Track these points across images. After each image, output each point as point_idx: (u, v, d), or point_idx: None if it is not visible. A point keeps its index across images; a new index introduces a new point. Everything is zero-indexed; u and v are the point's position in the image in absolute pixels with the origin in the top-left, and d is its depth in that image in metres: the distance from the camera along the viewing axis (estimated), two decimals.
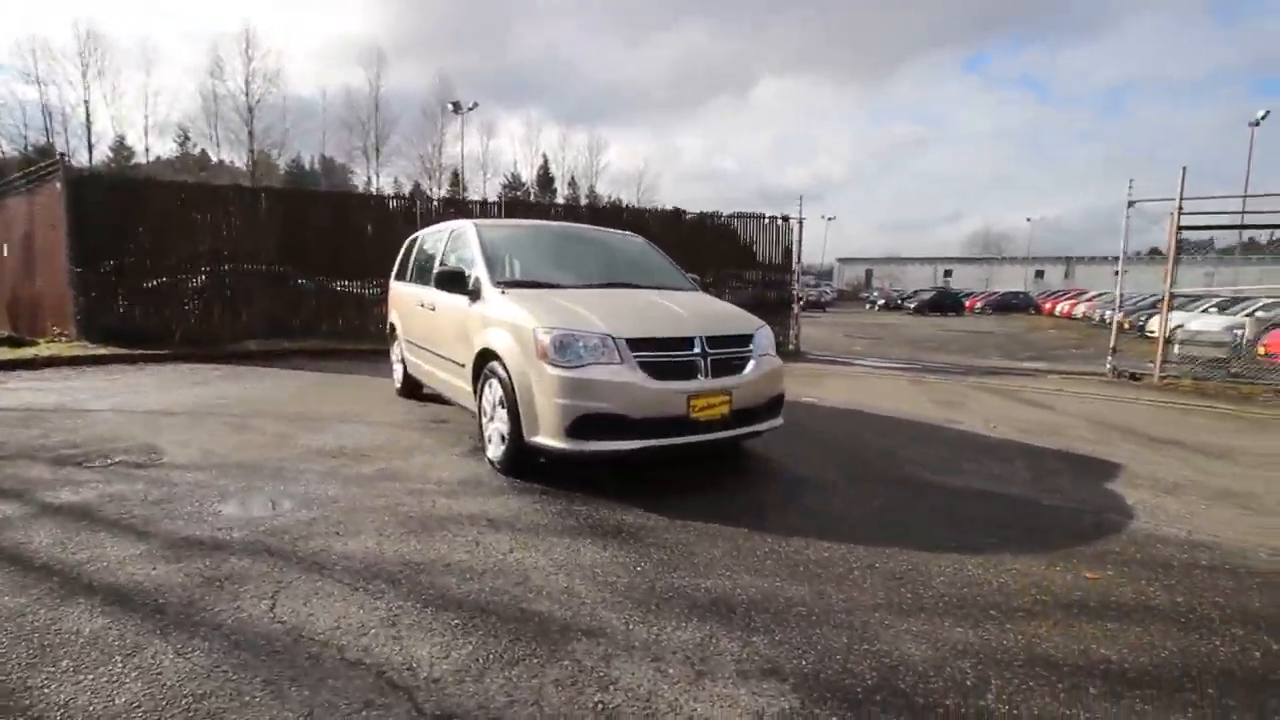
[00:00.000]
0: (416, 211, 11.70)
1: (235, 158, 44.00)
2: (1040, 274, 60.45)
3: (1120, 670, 2.10)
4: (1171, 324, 17.98)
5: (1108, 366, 10.28)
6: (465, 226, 5.01)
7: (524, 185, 60.49)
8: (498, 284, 4.23)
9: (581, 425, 3.45)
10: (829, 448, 4.88)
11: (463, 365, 4.46)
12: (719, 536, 3.05)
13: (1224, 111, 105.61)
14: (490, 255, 4.50)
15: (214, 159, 45.19)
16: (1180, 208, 9.53)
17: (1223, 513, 3.67)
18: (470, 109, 34.63)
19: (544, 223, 5.96)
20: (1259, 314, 11.50)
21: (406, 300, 6.08)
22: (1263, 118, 28.71)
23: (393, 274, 7.00)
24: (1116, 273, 11.16)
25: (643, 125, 77.24)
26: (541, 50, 75.82)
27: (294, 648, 2.07)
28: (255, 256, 10.46)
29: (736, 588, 2.56)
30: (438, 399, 5.97)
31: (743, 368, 3.85)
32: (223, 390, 6.56)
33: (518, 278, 4.52)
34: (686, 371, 3.65)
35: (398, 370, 6.51)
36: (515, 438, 3.70)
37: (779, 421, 4.19)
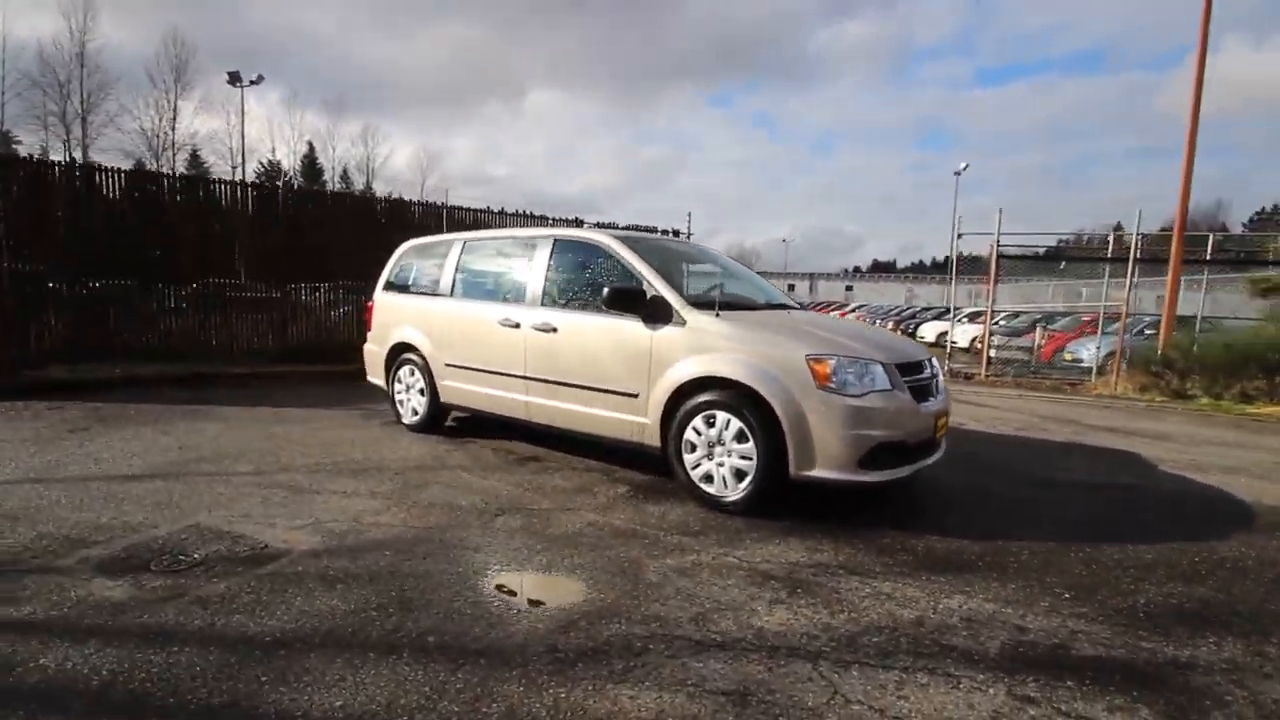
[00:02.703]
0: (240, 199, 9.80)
1: None
2: (792, 287, 70.49)
3: None
4: (936, 332, 22.38)
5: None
6: (601, 239, 4.36)
7: (286, 174, 52.74)
8: (695, 305, 3.83)
9: (873, 455, 3.32)
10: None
11: (633, 396, 3.93)
12: (1023, 551, 3.18)
13: (900, 157, 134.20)
14: (662, 273, 4.02)
15: None
16: (998, 240, 12.08)
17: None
18: (254, 83, 28.91)
19: (643, 234, 5.44)
20: (1043, 326, 14.92)
21: (446, 318, 5.11)
22: (964, 168, 37.19)
23: (383, 287, 5.85)
24: (904, 284, 13.67)
25: (417, 123, 72.48)
26: (298, 27, 66.71)
27: None
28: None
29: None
30: (465, 431, 5.29)
31: (941, 388, 4.03)
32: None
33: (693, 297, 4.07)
34: (926, 393, 3.72)
35: (410, 399, 5.43)
36: (771, 472, 3.41)
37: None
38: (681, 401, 3.74)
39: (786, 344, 3.50)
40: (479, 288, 5.04)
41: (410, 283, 5.65)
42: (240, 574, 2.71)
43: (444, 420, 5.45)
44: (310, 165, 53.26)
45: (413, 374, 5.43)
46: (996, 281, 12.43)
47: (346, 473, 4.24)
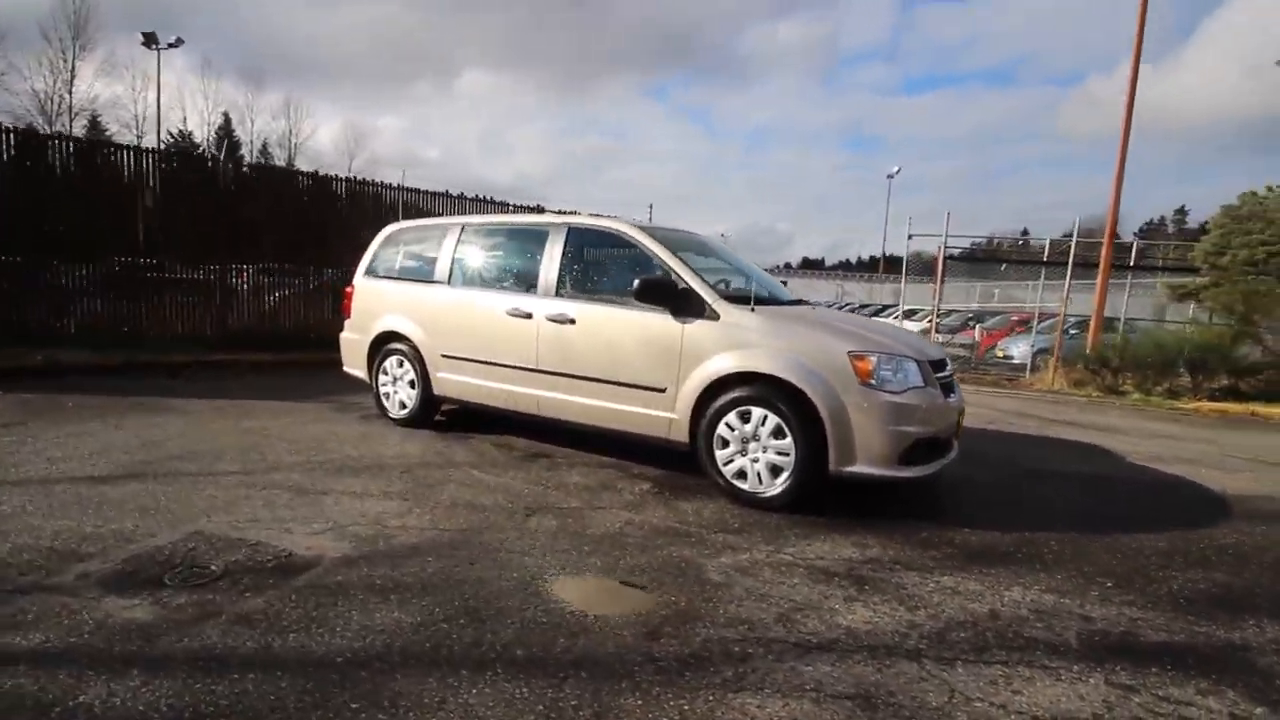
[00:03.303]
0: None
1: None
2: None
3: None
4: None
5: None
6: (623, 228, 4.20)
7: (199, 146, 48.84)
8: (726, 299, 3.76)
9: (913, 450, 3.37)
10: None
11: (659, 391, 3.84)
12: (1050, 541, 3.31)
13: (829, 158, 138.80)
14: (690, 265, 3.93)
15: None
16: (945, 242, 12.68)
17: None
18: (172, 45, 26.26)
19: (656, 224, 5.23)
20: (980, 326, 15.75)
21: (443, 307, 4.84)
22: (896, 172, 38.92)
23: (364, 273, 5.49)
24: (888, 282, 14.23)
25: (341, 98, 68.49)
26: None
27: None
28: None
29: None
30: (456, 425, 5.13)
31: (957, 385, 4.14)
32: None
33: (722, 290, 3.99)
34: (949, 390, 3.80)
35: (397, 391, 5.12)
36: (810, 469, 3.40)
37: None
38: (714, 397, 3.68)
39: (827, 340, 3.51)
40: (481, 276, 4.79)
41: (397, 269, 5.31)
42: (274, 587, 2.45)
43: (434, 414, 5.18)
44: (226, 138, 49.51)
45: (401, 365, 5.12)
46: (943, 280, 13.05)
47: (347, 471, 3.94)
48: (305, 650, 2.05)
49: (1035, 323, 12.70)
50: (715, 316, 3.71)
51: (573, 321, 4.16)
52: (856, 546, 3.12)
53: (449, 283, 4.89)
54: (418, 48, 73.57)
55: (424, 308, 4.95)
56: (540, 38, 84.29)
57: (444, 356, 4.83)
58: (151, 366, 7.40)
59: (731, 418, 3.61)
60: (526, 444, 4.76)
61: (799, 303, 4.50)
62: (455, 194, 11.12)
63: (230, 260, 9.24)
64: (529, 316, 4.34)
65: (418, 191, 11.03)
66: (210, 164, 10.06)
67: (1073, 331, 14.09)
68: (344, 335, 5.65)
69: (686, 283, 3.82)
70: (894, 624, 2.38)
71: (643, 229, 4.18)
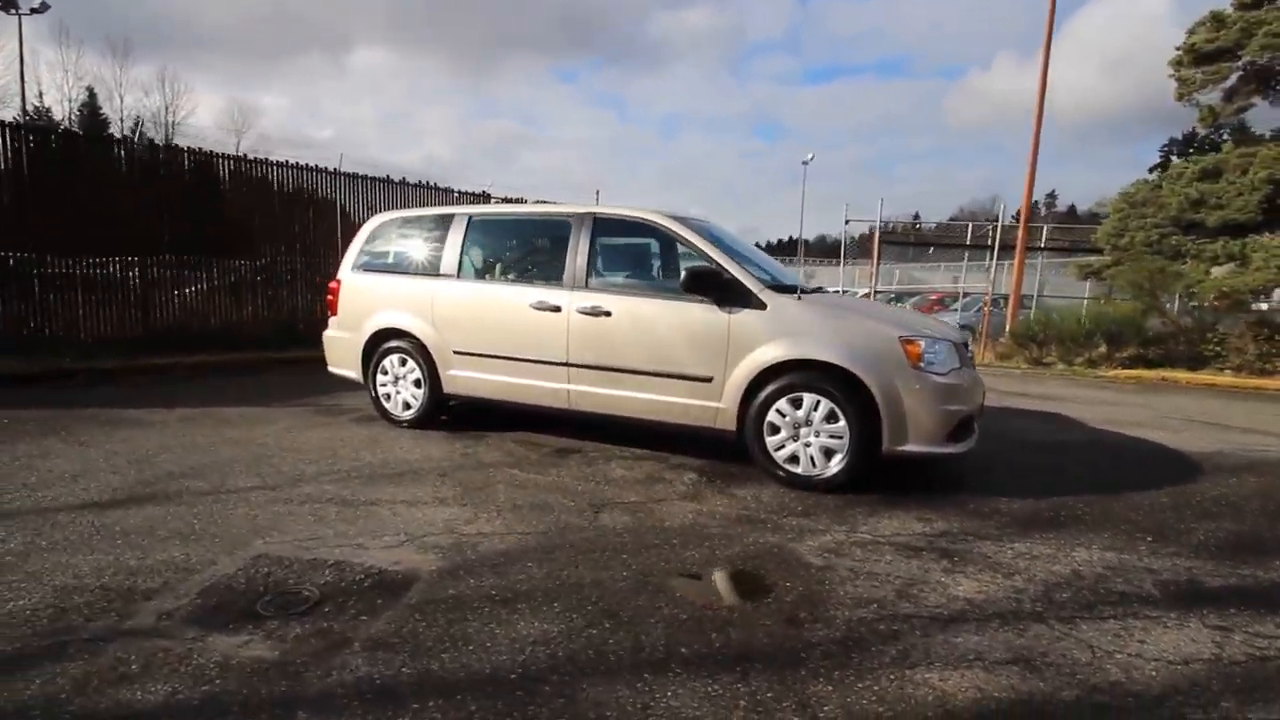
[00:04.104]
0: None
1: None
2: None
3: None
4: None
5: None
6: (655, 219, 4.15)
7: (59, 124, 43.35)
8: (771, 288, 3.81)
9: (958, 428, 3.58)
10: None
11: (706, 380, 3.86)
12: (1078, 505, 3.63)
13: (738, 145, 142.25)
14: (732, 255, 3.94)
15: None
16: (880, 227, 13.40)
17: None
18: (35, 10, 22.60)
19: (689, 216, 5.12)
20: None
21: (454, 301, 4.62)
22: (810, 159, 40.16)
23: (352, 266, 5.16)
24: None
25: (220, 73, 62.47)
26: None
27: None
28: None
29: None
30: (464, 424, 4.95)
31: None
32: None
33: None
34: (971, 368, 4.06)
35: (400, 391, 4.87)
36: (864, 449, 3.54)
37: None
38: (762, 384, 3.75)
39: (877, 326, 3.65)
40: (496, 268, 4.61)
41: (393, 262, 5.01)
42: (387, 608, 2.30)
43: (442, 414, 4.95)
44: (92, 115, 44.27)
45: (404, 363, 4.85)
46: (880, 261, 13.79)
47: (381, 479, 3.72)
48: (471, 669, 1.94)
49: (961, 300, 13.71)
50: (762, 305, 3.76)
51: (608, 314, 4.08)
52: (921, 521, 3.29)
53: (458, 276, 4.66)
54: (303, 19, 68.24)
55: (431, 302, 4.70)
56: (442, 15, 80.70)
57: (457, 353, 4.62)
58: (78, 374, 6.61)
59: (782, 404, 3.70)
60: (550, 440, 4.65)
61: (820, 290, 4.64)
62: (397, 180, 10.52)
63: (146, 253, 8.34)
64: (557, 310, 4.22)
65: (355, 177, 10.34)
66: (115, 146, 8.93)
67: (990, 309, 15.31)
68: (330, 334, 5.27)
69: (731, 273, 3.85)
70: (1002, 591, 2.55)
71: (674, 218, 4.17)
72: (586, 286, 4.20)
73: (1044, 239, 14.21)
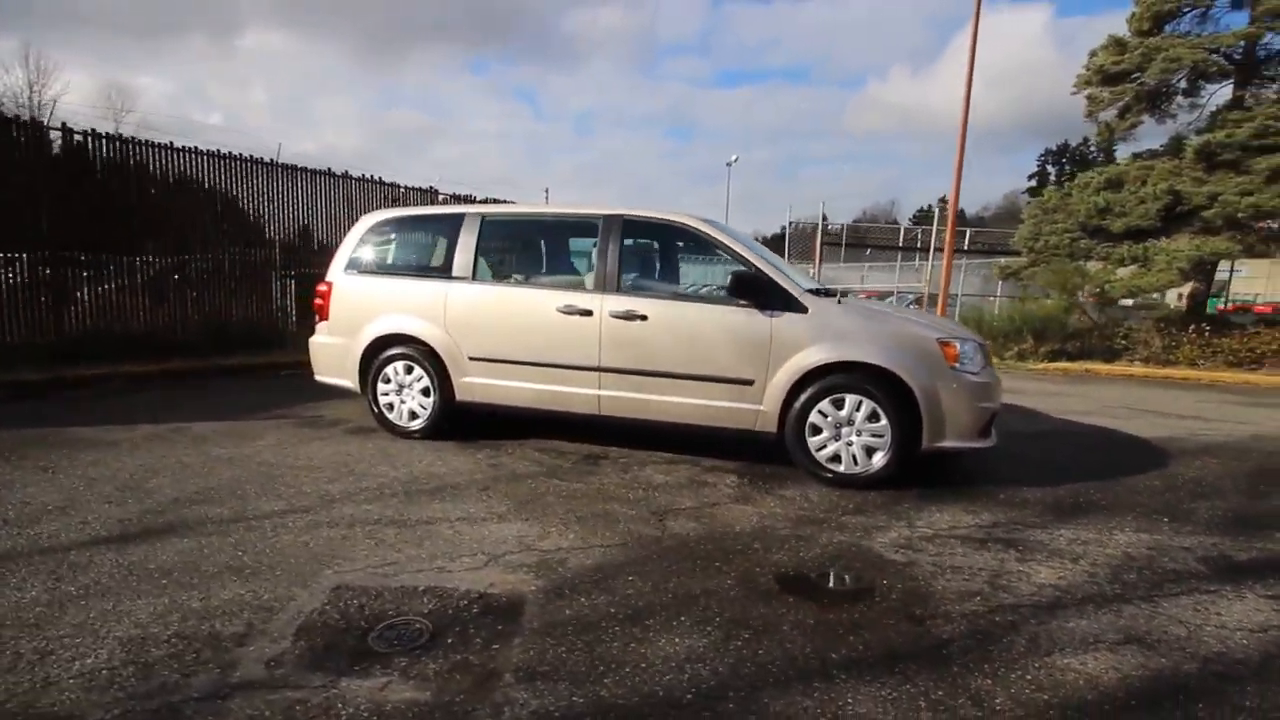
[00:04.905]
0: None
1: None
2: None
3: None
4: None
5: None
6: (687, 221, 4.14)
7: None
8: (809, 291, 3.89)
9: (989, 424, 3.79)
10: None
11: (747, 383, 3.89)
12: (1091, 491, 3.95)
13: (653, 144, 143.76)
14: (766, 259, 3.98)
15: None
16: (822, 228, 13.96)
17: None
18: None
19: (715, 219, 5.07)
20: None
21: (470, 305, 4.41)
22: (734, 160, 41.08)
23: (345, 267, 4.83)
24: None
25: (93, 50, 56.31)
26: None
27: None
28: None
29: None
30: (473, 433, 4.68)
31: None
32: None
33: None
34: None
35: (406, 401, 4.61)
36: (904, 446, 3.69)
37: None
38: (804, 386, 3.83)
39: (916, 329, 3.81)
40: (515, 271, 4.44)
41: (395, 263, 4.72)
42: (513, 633, 2.18)
43: (452, 423, 4.70)
44: None
45: (410, 371, 4.58)
46: (822, 261, 14.37)
47: (419, 495, 3.50)
48: (643, 692, 1.88)
49: (895, 299, 14.53)
50: (804, 309, 3.84)
51: (644, 318, 4.04)
52: (968, 514, 3.47)
53: (474, 278, 4.45)
54: None
55: (443, 306, 4.46)
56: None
57: (473, 359, 4.42)
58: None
59: (825, 405, 3.79)
60: (569, 446, 4.54)
61: (846, 293, 4.79)
62: (339, 173, 9.89)
63: (49, 248, 7.39)
64: (588, 314, 4.13)
65: (293, 169, 9.62)
66: (32, 130, 7.86)
67: (913, 306, 16.31)
68: (319, 340, 4.90)
69: (770, 277, 3.90)
70: (1079, 577, 2.74)
71: (706, 221, 4.17)
72: (619, 290, 4.14)
73: (968, 242, 15.31)
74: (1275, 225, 11.71)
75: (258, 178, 9.23)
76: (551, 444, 4.60)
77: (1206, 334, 10.18)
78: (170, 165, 8.36)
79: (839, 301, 3.89)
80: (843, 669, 2.03)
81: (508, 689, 1.88)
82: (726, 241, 4.06)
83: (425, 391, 4.57)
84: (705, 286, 4.48)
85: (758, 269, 3.93)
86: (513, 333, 4.33)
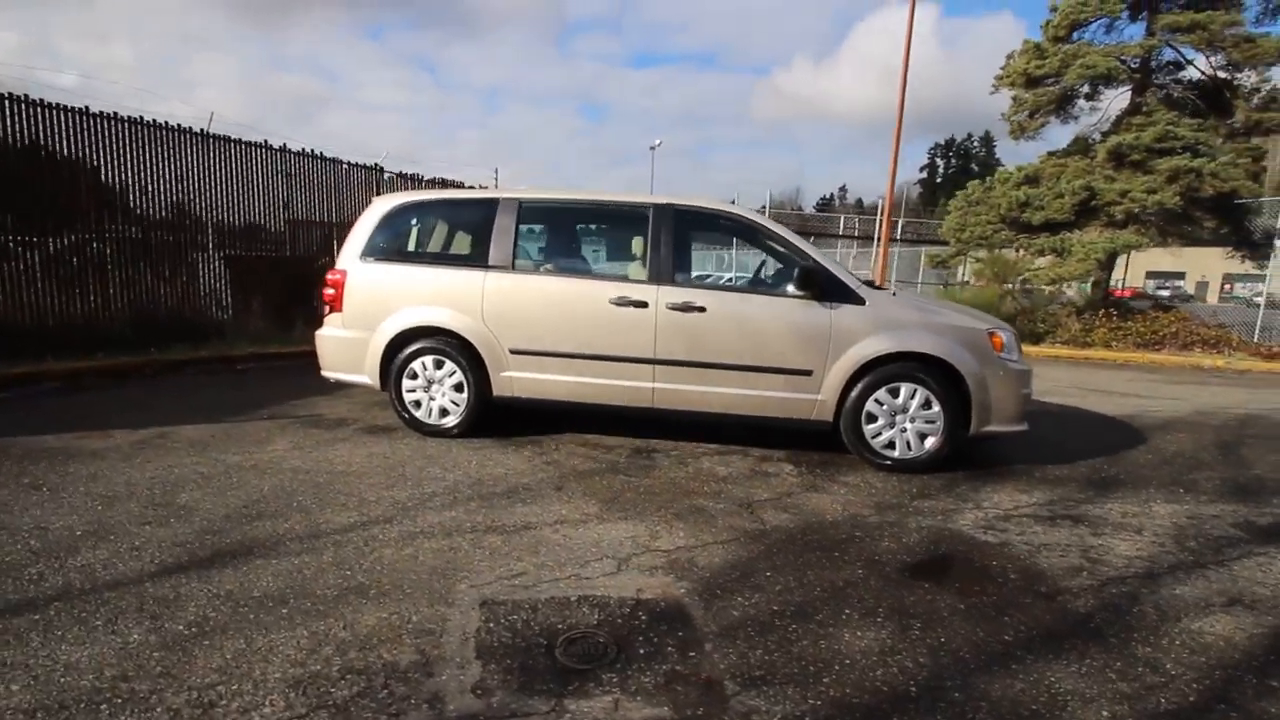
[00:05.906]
0: None
1: None
2: None
3: None
4: None
5: None
6: (741, 214, 4.15)
7: None
8: (865, 284, 3.99)
9: (1026, 409, 4.07)
10: None
11: (806, 374, 3.96)
12: (1106, 467, 4.33)
13: (565, 123, 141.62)
14: (812, 252, 4.04)
15: None
16: (766, 211, 14.33)
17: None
18: None
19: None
20: None
21: (511, 296, 4.22)
22: (658, 144, 40.99)
23: (362, 254, 4.48)
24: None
25: None
26: None
27: None
28: None
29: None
30: (506, 429, 4.55)
31: None
32: None
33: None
34: None
35: (437, 397, 4.36)
36: (953, 432, 3.90)
37: None
38: (861, 376, 3.95)
39: (967, 320, 4.01)
40: (559, 260, 4.27)
41: (419, 251, 4.41)
42: (700, 640, 2.14)
43: (487, 419, 4.47)
44: None
45: (440, 365, 4.32)
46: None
47: (495, 499, 3.34)
48: (866, 688, 1.90)
49: None
50: (862, 301, 3.95)
51: (702, 309, 4.01)
52: (1021, 493, 3.73)
53: (513, 268, 4.24)
54: None
55: (480, 297, 4.22)
56: None
57: (514, 352, 4.23)
58: None
59: (881, 394, 3.94)
60: (611, 440, 4.46)
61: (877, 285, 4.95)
62: (278, 146, 9.03)
63: None
64: (643, 305, 4.05)
65: (227, 140, 8.69)
66: None
67: None
68: (329, 333, 4.52)
69: (830, 270, 3.98)
70: (1151, 548, 3.02)
71: (757, 214, 4.19)
72: (674, 281, 4.08)
73: (899, 231, 16.23)
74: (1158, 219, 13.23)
75: (190, 150, 8.29)
76: (591, 438, 4.50)
77: (1114, 318, 11.40)
78: (71, 131, 7.30)
79: (894, 295, 4.04)
80: (1024, 649, 2.15)
81: (743, 698, 1.85)
82: (780, 233, 4.10)
83: (458, 387, 4.33)
84: (744, 278, 4.51)
85: (817, 262, 4.00)
86: (560, 325, 4.17)
